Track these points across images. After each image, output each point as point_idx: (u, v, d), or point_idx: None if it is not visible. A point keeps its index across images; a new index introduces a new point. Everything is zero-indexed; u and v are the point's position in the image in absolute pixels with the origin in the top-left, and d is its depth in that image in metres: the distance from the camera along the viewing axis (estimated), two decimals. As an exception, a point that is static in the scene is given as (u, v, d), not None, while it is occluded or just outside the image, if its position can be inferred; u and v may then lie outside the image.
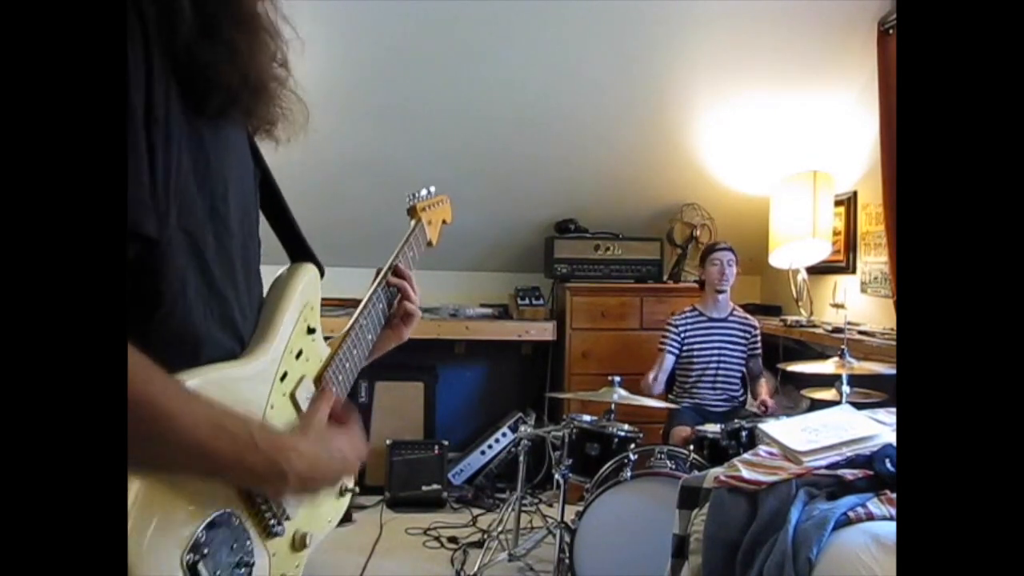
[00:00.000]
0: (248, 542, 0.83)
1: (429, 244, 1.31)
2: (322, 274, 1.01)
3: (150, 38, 0.71)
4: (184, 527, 0.75)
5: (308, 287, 0.97)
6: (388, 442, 3.99)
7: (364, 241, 3.83)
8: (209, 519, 0.78)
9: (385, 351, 1.19)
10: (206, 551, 0.76)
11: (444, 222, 1.38)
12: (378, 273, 1.16)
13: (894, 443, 2.01)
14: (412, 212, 1.29)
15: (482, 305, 4.46)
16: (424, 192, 1.32)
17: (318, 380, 0.96)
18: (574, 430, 2.95)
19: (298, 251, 1.03)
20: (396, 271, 1.16)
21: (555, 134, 3.88)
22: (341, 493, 1.02)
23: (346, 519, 3.68)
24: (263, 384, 0.86)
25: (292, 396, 0.90)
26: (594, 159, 4.05)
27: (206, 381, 0.77)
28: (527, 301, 4.34)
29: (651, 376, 3.56)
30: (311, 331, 0.95)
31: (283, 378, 0.89)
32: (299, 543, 0.92)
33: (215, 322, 0.82)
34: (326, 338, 1.02)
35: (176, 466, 0.73)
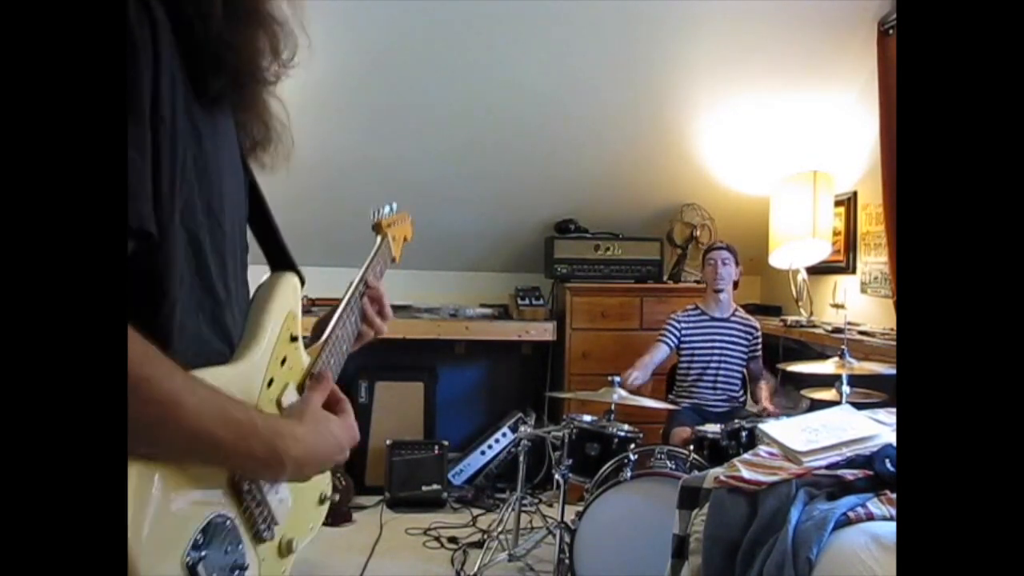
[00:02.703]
0: (241, 545, 0.83)
1: (393, 260, 1.32)
2: (303, 283, 1.02)
3: (158, 28, 0.71)
4: (183, 528, 0.75)
5: (290, 296, 0.98)
6: (388, 442, 3.99)
7: (364, 241, 3.80)
8: (206, 520, 0.78)
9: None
10: (204, 552, 0.76)
11: (406, 239, 1.40)
12: (349, 286, 1.17)
13: (894, 443, 2.01)
14: (377, 228, 1.30)
15: (482, 305, 4.45)
16: (387, 209, 1.34)
17: (301, 388, 0.96)
18: (574, 430, 2.95)
19: (280, 259, 1.03)
20: (370, 287, 1.16)
21: (555, 134, 3.88)
22: (321, 501, 1.03)
23: (346, 519, 3.69)
24: (252, 388, 0.87)
25: (278, 402, 0.91)
26: (594, 159, 4.05)
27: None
28: (527, 301, 4.34)
29: (631, 374, 3.35)
30: (294, 339, 0.96)
31: (270, 384, 0.90)
32: (285, 548, 0.93)
33: (206, 321, 0.83)
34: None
35: (179, 451, 0.73)
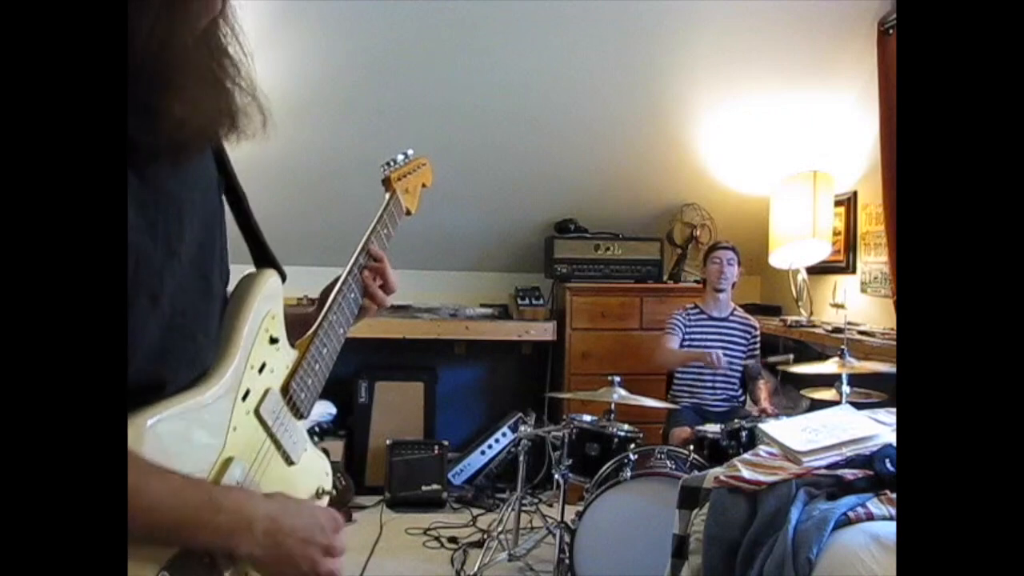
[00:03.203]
0: (217, 567, 0.81)
1: (408, 213, 1.22)
2: (284, 279, 0.97)
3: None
4: (154, 555, 0.74)
5: (269, 295, 0.93)
6: (388, 442, 3.99)
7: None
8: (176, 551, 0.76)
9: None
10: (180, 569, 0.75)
11: (424, 186, 1.29)
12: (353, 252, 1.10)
13: (894, 443, 2.01)
14: (386, 183, 1.19)
15: (482, 305, 4.46)
16: (401, 157, 1.23)
17: (285, 390, 0.93)
18: (574, 430, 2.95)
19: (260, 256, 0.99)
20: (371, 254, 1.09)
21: (555, 134, 3.88)
22: (318, 495, 1.01)
23: (346, 519, 3.68)
24: (223, 408, 0.84)
25: (257, 413, 0.89)
26: (594, 159, 4.05)
27: (164, 417, 0.76)
28: (527, 301, 4.34)
29: (664, 344, 3.58)
30: (274, 341, 0.92)
31: (245, 397, 0.87)
32: None
33: (179, 361, 0.81)
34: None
35: (144, 540, 0.72)
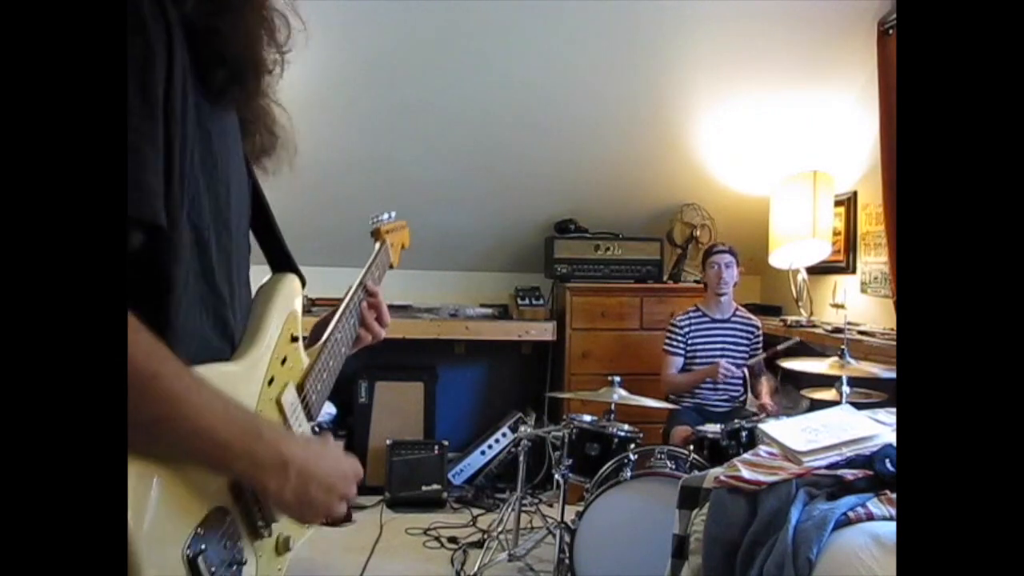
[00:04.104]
0: (240, 541, 0.84)
1: (391, 266, 1.35)
2: (303, 284, 1.04)
3: (172, 25, 0.72)
4: (183, 521, 0.75)
5: (291, 297, 0.99)
6: (388, 442, 3.99)
7: (362, 241, 3.80)
8: (205, 514, 0.78)
9: None
10: (204, 546, 0.76)
11: (403, 246, 1.44)
12: (349, 290, 1.18)
13: (894, 443, 2.01)
14: (376, 235, 1.33)
15: (482, 305, 4.46)
16: (386, 216, 1.37)
17: (300, 387, 0.97)
18: (574, 430, 2.95)
19: (281, 261, 1.04)
20: (368, 289, 1.18)
21: (555, 134, 3.88)
22: None
23: (346, 519, 3.68)
24: (253, 386, 0.87)
25: (278, 401, 0.91)
26: (594, 159, 4.05)
27: (204, 375, 0.78)
28: (527, 301, 4.34)
29: (668, 372, 3.60)
30: (294, 339, 0.97)
31: (270, 382, 0.90)
32: (282, 546, 0.93)
33: (209, 320, 0.83)
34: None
35: (183, 450, 0.73)
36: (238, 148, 0.91)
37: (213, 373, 0.80)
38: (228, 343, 0.87)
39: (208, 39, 0.78)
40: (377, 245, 1.31)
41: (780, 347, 3.47)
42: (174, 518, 0.74)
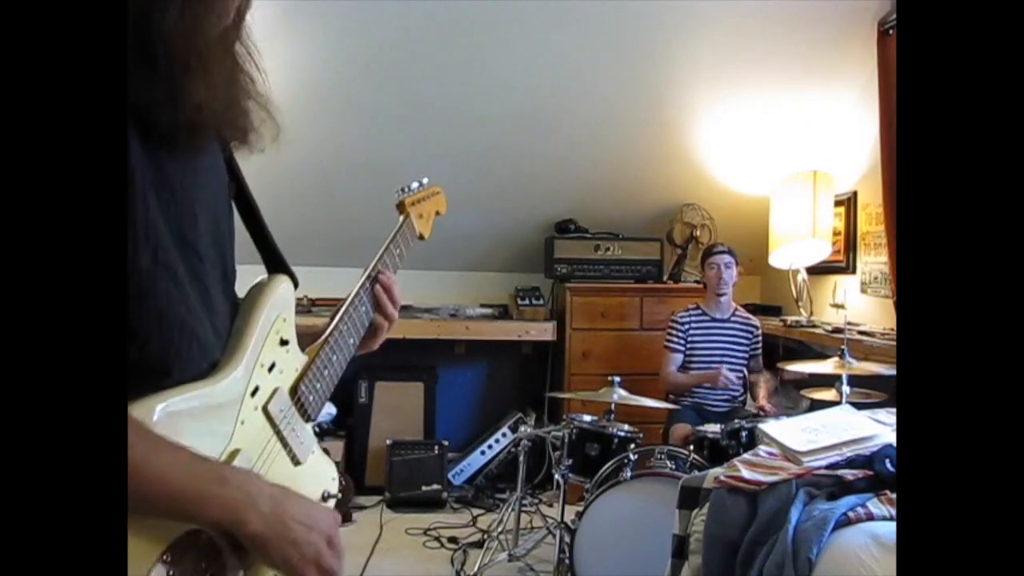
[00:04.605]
0: (222, 556, 0.82)
1: (420, 238, 1.27)
2: (296, 284, 1.01)
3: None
4: (143, 550, 0.75)
5: (280, 299, 0.97)
6: (388, 442, 3.99)
7: (363, 241, 3.80)
8: (175, 538, 0.77)
9: (365, 352, 1.15)
10: (171, 572, 0.76)
11: (438, 213, 1.34)
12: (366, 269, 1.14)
13: (894, 443, 2.01)
14: (400, 207, 1.25)
15: (482, 305, 4.45)
16: (415, 184, 1.28)
17: (294, 391, 0.95)
18: (574, 430, 2.95)
19: (273, 262, 1.02)
20: (379, 280, 1.13)
21: (555, 134, 3.88)
22: (324, 499, 1.01)
23: (346, 519, 3.68)
24: (232, 402, 0.86)
25: (265, 410, 0.90)
26: (594, 159, 4.05)
27: (174, 404, 0.78)
28: (527, 301, 4.34)
29: (668, 369, 3.60)
30: (284, 343, 0.95)
31: (254, 393, 0.89)
32: None
33: (188, 347, 0.82)
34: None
35: (152, 509, 0.74)
36: (207, 160, 0.89)
37: (187, 395, 0.80)
38: (208, 362, 0.86)
39: (140, 109, 0.75)
40: (400, 220, 1.23)
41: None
42: (145, 533, 0.74)
